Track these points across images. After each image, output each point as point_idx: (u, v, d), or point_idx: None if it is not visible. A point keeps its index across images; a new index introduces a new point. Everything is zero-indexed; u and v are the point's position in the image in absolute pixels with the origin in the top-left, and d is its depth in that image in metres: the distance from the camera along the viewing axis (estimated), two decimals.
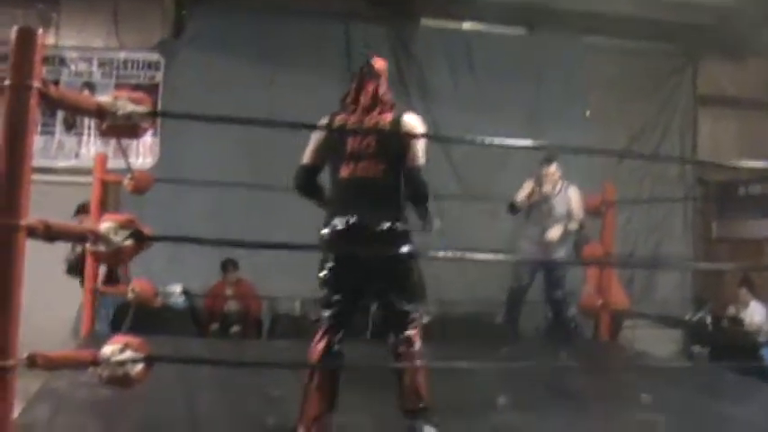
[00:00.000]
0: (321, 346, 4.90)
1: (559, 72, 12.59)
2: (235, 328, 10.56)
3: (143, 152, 10.62)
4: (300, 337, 10.13)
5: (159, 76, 11.36)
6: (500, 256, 8.06)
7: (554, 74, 12.56)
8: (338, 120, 5.01)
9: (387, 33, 12.31)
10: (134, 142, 10.27)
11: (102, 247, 3.35)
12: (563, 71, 12.62)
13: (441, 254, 7.37)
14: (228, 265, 10.64)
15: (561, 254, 8.87)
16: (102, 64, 11.34)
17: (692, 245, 13.52)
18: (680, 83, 13.64)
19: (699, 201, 13.71)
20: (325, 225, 4.89)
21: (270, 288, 10.57)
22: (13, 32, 3.07)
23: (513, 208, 8.42)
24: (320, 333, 4.94)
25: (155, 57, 11.40)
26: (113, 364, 3.34)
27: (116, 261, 3.40)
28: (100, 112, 3.39)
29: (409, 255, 4.94)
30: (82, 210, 9.02)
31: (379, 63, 5.11)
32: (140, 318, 8.85)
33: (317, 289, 4.95)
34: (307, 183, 5.11)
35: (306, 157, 5.10)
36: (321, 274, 4.94)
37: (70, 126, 11.13)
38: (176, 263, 10.31)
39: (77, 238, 3.86)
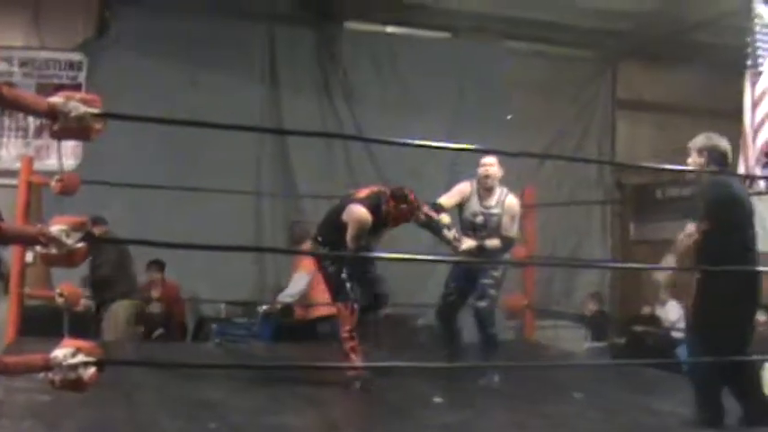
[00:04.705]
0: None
1: (482, 76, 12.69)
2: (159, 332, 10.43)
3: (65, 153, 10.42)
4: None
5: (82, 77, 11.18)
6: (429, 257, 7.81)
7: (476, 78, 12.67)
8: None
9: (311, 36, 12.33)
10: (56, 143, 10.10)
11: (53, 250, 3.29)
12: (485, 75, 12.71)
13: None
14: (154, 266, 10.47)
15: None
16: (23, 63, 11.14)
17: (611, 247, 13.75)
18: (599, 87, 13.88)
19: (617, 203, 13.93)
20: None
21: (194, 290, 10.50)
22: None
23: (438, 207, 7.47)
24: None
25: (77, 57, 11.23)
26: (66, 368, 3.29)
27: (68, 264, 3.33)
28: (51, 113, 3.33)
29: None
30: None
31: None
32: (59, 321, 8.86)
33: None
34: None
35: None
36: None
37: None
38: None
39: (27, 240, 3.78)
